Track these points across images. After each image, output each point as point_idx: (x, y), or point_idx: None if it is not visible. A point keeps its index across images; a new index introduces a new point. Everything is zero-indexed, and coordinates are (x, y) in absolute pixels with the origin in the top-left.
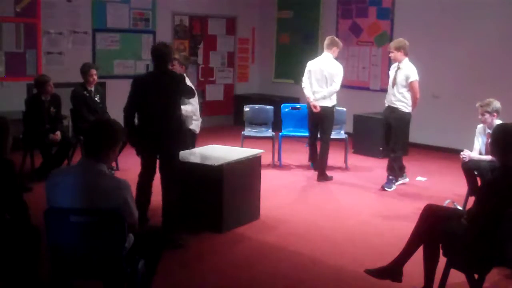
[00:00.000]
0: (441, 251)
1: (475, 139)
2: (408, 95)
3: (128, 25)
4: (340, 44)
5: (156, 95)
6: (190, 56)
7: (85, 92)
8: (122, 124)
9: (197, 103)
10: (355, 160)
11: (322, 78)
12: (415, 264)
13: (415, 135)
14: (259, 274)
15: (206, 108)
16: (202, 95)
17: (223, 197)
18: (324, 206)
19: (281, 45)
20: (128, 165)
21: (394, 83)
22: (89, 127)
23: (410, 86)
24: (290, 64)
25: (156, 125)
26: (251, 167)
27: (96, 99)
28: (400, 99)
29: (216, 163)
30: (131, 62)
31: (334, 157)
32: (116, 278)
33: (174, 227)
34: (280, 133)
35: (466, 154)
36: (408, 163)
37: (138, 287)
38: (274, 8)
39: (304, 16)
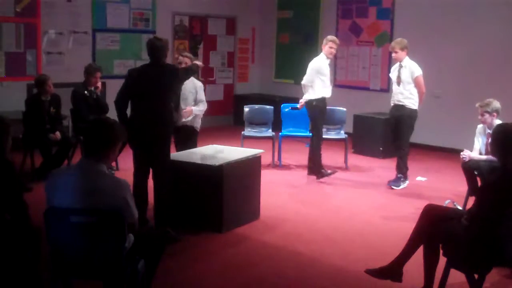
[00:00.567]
0: (441, 251)
1: (475, 139)
2: (415, 91)
3: (128, 25)
4: (329, 38)
5: (146, 86)
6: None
7: (85, 92)
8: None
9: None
10: (355, 160)
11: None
12: (415, 264)
13: (415, 135)
14: (259, 274)
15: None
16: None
17: (223, 197)
18: (324, 206)
19: (281, 45)
20: (128, 165)
21: (399, 81)
22: (89, 127)
23: (416, 81)
24: (290, 64)
25: (144, 116)
26: (251, 167)
27: (93, 96)
28: (408, 96)
29: (216, 163)
30: (131, 62)
31: (334, 157)
32: (116, 278)
33: (165, 221)
34: (280, 133)
35: (466, 154)
36: (408, 163)
37: (138, 287)
38: (274, 8)
39: (304, 16)
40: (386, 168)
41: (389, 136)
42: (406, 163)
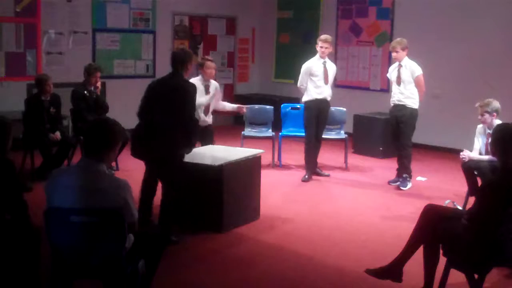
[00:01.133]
0: (441, 251)
1: (475, 139)
2: (415, 91)
3: (128, 25)
4: (320, 38)
5: (157, 100)
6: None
7: (85, 92)
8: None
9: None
10: (355, 160)
11: None
12: (415, 264)
13: (415, 135)
14: (259, 274)
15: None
16: None
17: (223, 197)
18: (324, 206)
19: (281, 45)
20: (128, 165)
21: (399, 81)
22: (89, 127)
23: (416, 81)
24: (290, 64)
25: (150, 130)
26: (251, 167)
27: (93, 96)
28: (409, 96)
29: (216, 163)
30: (131, 62)
31: (334, 157)
32: (116, 278)
33: (168, 225)
34: (280, 133)
35: (465, 154)
36: None
37: (138, 287)
38: (274, 8)
39: (304, 16)
40: (386, 168)
41: (389, 136)
42: (410, 163)
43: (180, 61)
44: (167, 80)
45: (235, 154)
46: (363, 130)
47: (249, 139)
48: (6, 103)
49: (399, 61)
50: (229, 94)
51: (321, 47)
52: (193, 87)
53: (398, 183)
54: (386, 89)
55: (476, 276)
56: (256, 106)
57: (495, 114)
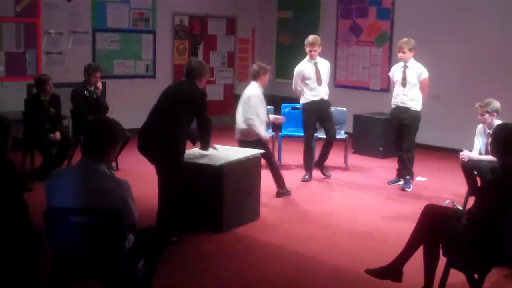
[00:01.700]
0: (441, 251)
1: (475, 139)
2: (419, 93)
3: (128, 25)
4: (308, 40)
5: (163, 101)
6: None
7: (85, 92)
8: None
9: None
10: (355, 160)
11: None
12: (415, 264)
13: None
14: (259, 274)
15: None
16: None
17: (223, 197)
18: (324, 206)
19: (281, 45)
20: (128, 165)
21: (404, 83)
22: (89, 127)
23: (422, 83)
24: (290, 64)
25: (149, 129)
26: (251, 167)
27: (94, 96)
28: (413, 98)
29: (216, 163)
30: (131, 62)
31: (334, 157)
32: (116, 278)
33: (167, 226)
34: (280, 133)
35: (465, 154)
36: None
37: (138, 287)
38: (274, 8)
39: (304, 16)
40: (386, 168)
41: (389, 136)
42: (413, 165)
43: (196, 74)
44: (181, 84)
45: (235, 154)
46: (363, 130)
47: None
48: (6, 103)
49: (405, 62)
50: (229, 94)
51: (310, 50)
52: (205, 95)
53: (400, 183)
54: (386, 89)
55: (476, 276)
56: None
57: (495, 114)
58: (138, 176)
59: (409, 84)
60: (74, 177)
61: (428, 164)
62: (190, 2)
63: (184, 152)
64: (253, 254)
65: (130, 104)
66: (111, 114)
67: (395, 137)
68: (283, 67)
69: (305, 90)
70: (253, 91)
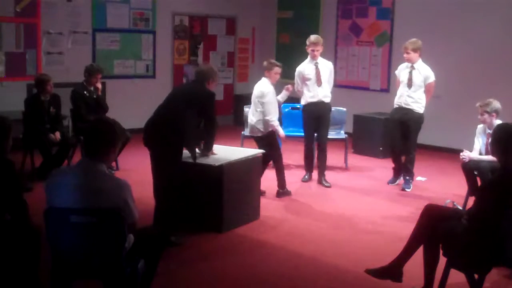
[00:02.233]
0: (441, 251)
1: (475, 139)
2: (423, 96)
3: (128, 25)
4: (310, 40)
5: (170, 98)
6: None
7: (85, 92)
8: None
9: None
10: (355, 160)
11: None
12: (415, 264)
13: None
14: (259, 274)
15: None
16: None
17: (223, 197)
18: (324, 206)
19: (281, 45)
20: (128, 165)
21: (410, 84)
22: (89, 127)
23: (428, 87)
24: (290, 64)
25: (155, 122)
26: (251, 167)
27: (93, 95)
28: (417, 100)
29: (216, 163)
30: (131, 62)
31: (334, 157)
32: (116, 278)
33: (167, 226)
34: None
35: (465, 154)
36: None
37: (138, 287)
38: (274, 8)
39: (304, 16)
40: (386, 168)
41: (390, 137)
42: (413, 167)
43: (204, 77)
44: (189, 84)
45: (235, 154)
46: (363, 130)
47: (249, 139)
48: (6, 103)
49: (412, 63)
50: (229, 94)
51: (312, 50)
52: (213, 95)
53: (397, 182)
54: (386, 89)
55: (476, 276)
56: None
57: (494, 114)
58: (138, 176)
59: (414, 86)
60: (74, 177)
61: (428, 164)
62: (190, 2)
63: (193, 149)
64: (253, 254)
65: (130, 104)
66: (111, 114)
67: (392, 137)
68: (283, 67)
69: (305, 91)
70: (266, 87)
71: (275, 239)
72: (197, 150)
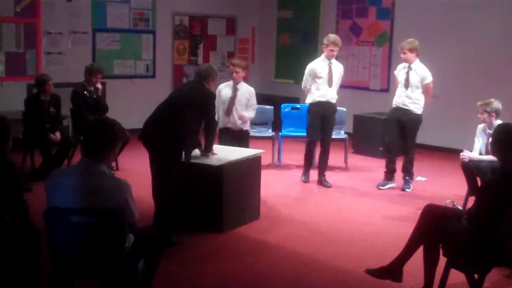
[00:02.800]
0: (441, 251)
1: (476, 139)
2: (421, 97)
3: (128, 25)
4: (331, 40)
5: (170, 98)
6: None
7: (85, 92)
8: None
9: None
10: (355, 160)
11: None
12: (415, 264)
13: None
14: (259, 274)
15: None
16: None
17: (223, 197)
18: (324, 206)
19: (281, 45)
20: (128, 165)
21: (407, 85)
22: (89, 127)
23: (425, 87)
24: (290, 64)
25: (154, 121)
26: (251, 167)
27: (94, 96)
28: (415, 101)
29: (216, 163)
30: (131, 62)
31: (334, 157)
32: (116, 278)
33: (166, 227)
34: (280, 133)
35: (465, 154)
36: None
37: (138, 287)
38: (274, 8)
39: (304, 16)
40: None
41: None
42: (412, 166)
43: (203, 76)
44: (189, 83)
45: (235, 154)
46: (363, 130)
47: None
48: (6, 103)
49: (409, 63)
50: None
51: (332, 50)
52: (213, 95)
53: (388, 186)
54: (386, 89)
55: (476, 276)
56: (256, 106)
57: (494, 114)
58: (138, 176)
59: (411, 87)
60: (74, 177)
61: (428, 164)
62: (190, 2)
63: (189, 149)
64: (253, 254)
65: (130, 104)
66: (111, 114)
67: (389, 137)
68: (283, 67)
69: (313, 89)
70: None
71: (275, 239)
72: (197, 151)
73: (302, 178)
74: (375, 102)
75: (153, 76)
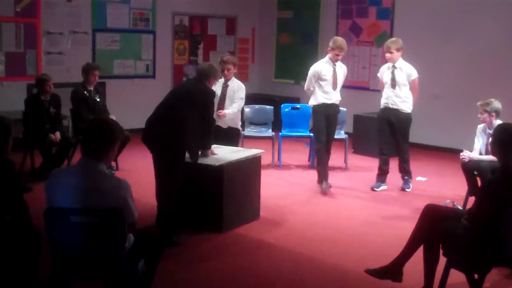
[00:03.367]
0: (441, 251)
1: (476, 139)
2: (409, 94)
3: (128, 25)
4: (337, 44)
5: (170, 96)
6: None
7: (85, 92)
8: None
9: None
10: (355, 160)
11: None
12: (415, 264)
13: (415, 135)
14: (259, 274)
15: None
16: None
17: (223, 197)
18: (324, 206)
19: (281, 45)
20: (128, 165)
21: (394, 84)
22: (87, 127)
23: (412, 84)
24: (290, 64)
25: (155, 120)
26: (251, 167)
27: (96, 98)
28: (404, 99)
29: (216, 163)
30: (131, 62)
31: (334, 157)
32: (116, 278)
33: (167, 226)
34: (280, 133)
35: (466, 154)
36: None
37: (138, 287)
38: (274, 8)
39: (304, 16)
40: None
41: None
42: (409, 165)
43: (204, 74)
44: (190, 81)
45: (235, 154)
46: (363, 130)
47: (249, 139)
48: (6, 103)
49: (393, 62)
50: None
51: (337, 54)
52: (212, 93)
53: (381, 188)
54: None
55: (476, 276)
56: (256, 106)
57: (494, 114)
58: (138, 176)
59: (398, 85)
60: (74, 177)
61: (428, 164)
62: (190, 2)
63: (194, 149)
64: (253, 254)
65: (130, 104)
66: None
67: (380, 138)
68: (283, 67)
69: (318, 91)
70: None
71: (275, 239)
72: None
73: (323, 186)
74: (375, 102)
75: (153, 76)
